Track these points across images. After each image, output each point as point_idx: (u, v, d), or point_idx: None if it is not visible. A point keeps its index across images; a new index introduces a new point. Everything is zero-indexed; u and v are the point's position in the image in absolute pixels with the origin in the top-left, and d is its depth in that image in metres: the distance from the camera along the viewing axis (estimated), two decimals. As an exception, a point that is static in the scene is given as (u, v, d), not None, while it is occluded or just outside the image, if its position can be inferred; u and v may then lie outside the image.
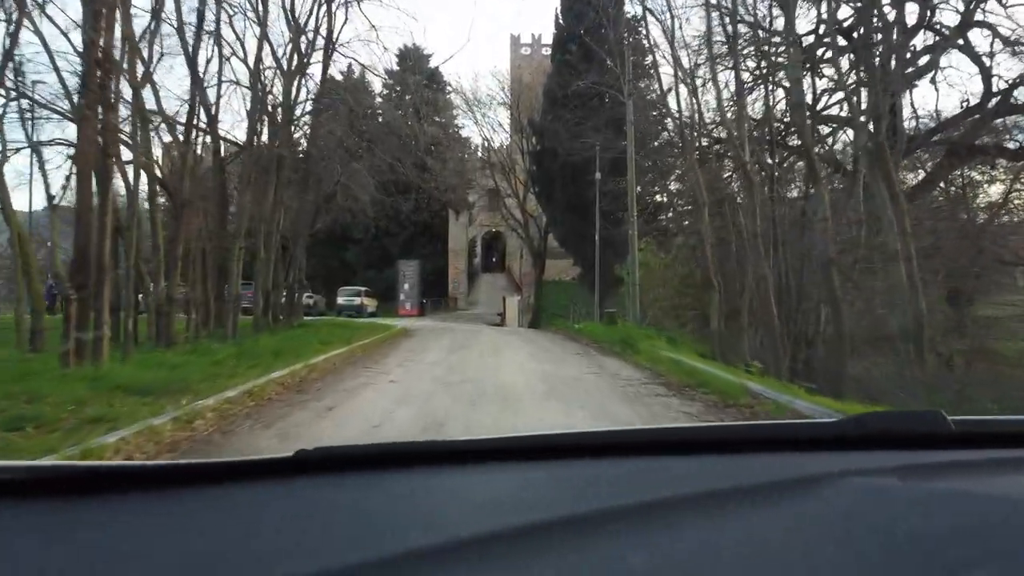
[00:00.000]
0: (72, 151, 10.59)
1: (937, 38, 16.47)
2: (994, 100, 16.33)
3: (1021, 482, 1.01)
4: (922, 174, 19.62)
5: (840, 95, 16.73)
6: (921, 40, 16.74)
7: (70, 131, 14.42)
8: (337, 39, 18.08)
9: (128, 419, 4.84)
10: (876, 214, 13.52)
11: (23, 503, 0.88)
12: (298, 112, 19.09)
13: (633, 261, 18.85)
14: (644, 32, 21.67)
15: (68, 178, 12.97)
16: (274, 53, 17.18)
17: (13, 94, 11.06)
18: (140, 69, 10.70)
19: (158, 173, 12.90)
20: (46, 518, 0.85)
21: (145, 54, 11.27)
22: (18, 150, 12.66)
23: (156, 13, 11.58)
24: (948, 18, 16.99)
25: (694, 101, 17.74)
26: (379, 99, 47.90)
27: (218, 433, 5.13)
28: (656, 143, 25.70)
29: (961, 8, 15.91)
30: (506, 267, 63.05)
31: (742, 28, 16.56)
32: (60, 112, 11.57)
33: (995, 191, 19.48)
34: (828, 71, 17.29)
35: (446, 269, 44.38)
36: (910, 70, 16.32)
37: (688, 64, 17.14)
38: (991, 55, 16.28)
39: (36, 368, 7.04)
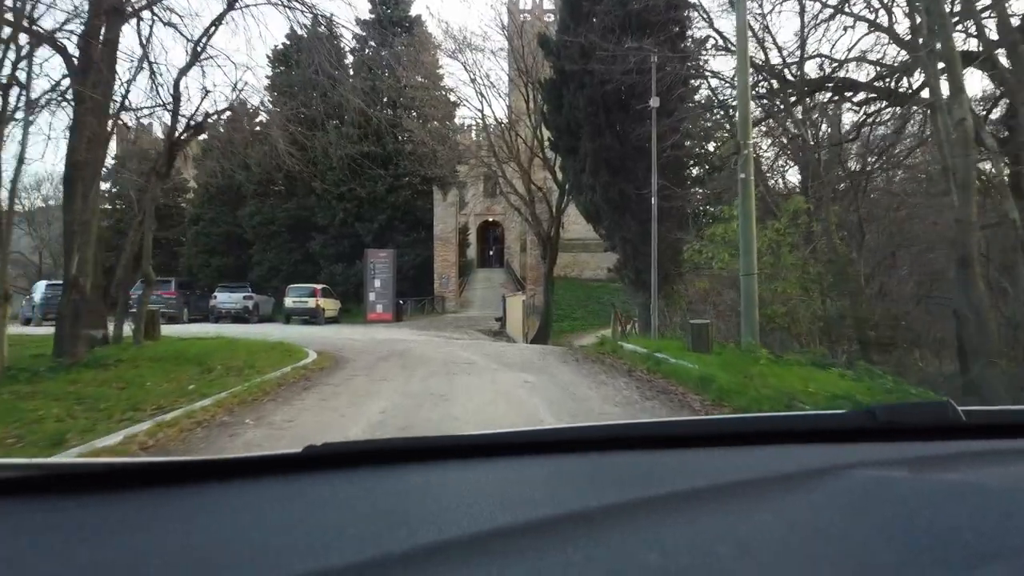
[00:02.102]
0: None
1: None
2: None
3: None
4: None
5: None
6: None
7: None
8: None
9: None
10: None
11: (34, 500, 0.89)
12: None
13: (746, 227, 10.10)
14: None
15: None
16: None
17: None
18: None
19: None
20: (57, 515, 0.85)
21: None
22: None
23: None
24: None
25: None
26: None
27: None
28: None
29: None
30: (505, 261, 54.93)
31: None
32: None
33: None
34: None
35: (431, 262, 35.48)
36: None
37: None
38: None
39: None
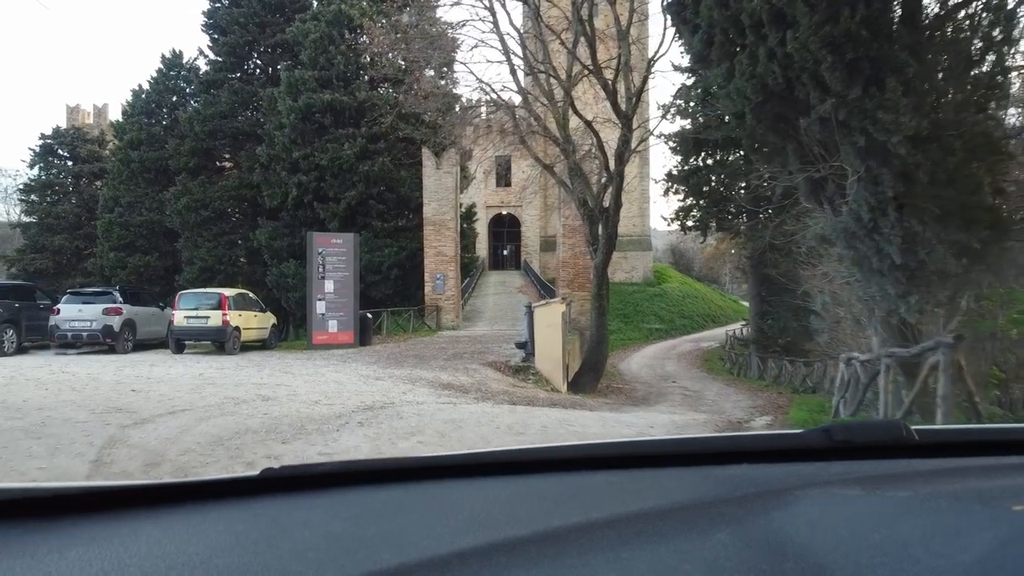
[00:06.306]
0: None
1: None
2: None
3: (983, 489, 0.97)
4: None
5: None
6: None
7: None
8: None
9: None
10: None
11: None
12: None
13: None
14: None
15: None
16: None
17: None
18: None
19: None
20: (13, 540, 0.82)
21: None
22: None
23: None
24: None
25: None
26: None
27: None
28: None
29: None
30: (523, 262, 44.30)
31: None
32: None
33: None
34: None
35: (419, 256, 24.60)
36: None
37: None
38: None
39: None
